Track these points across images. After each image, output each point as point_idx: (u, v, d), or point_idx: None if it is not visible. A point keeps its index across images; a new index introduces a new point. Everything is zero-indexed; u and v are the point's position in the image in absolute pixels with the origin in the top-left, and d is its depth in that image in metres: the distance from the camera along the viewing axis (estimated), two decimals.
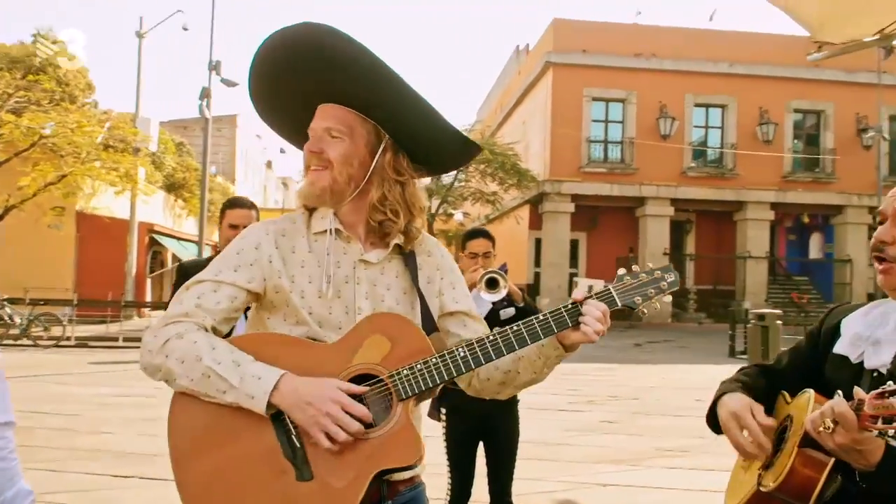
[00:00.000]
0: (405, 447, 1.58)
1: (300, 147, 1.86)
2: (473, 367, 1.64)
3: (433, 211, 25.90)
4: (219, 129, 37.44)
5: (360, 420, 1.53)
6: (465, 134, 1.79)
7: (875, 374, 1.59)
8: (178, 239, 26.45)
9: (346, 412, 1.52)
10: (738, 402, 1.65)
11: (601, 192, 25.09)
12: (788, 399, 1.71)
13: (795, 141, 26.53)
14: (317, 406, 1.52)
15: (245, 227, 3.49)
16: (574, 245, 26.37)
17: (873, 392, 1.30)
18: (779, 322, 13.56)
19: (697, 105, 25.95)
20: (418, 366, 1.62)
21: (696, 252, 27.44)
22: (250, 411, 1.55)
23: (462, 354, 1.64)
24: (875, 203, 24.54)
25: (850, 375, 1.64)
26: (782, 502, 1.58)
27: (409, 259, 1.80)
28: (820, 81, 25.47)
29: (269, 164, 58.35)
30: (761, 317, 13.67)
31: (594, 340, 1.64)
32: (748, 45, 25.61)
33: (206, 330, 1.63)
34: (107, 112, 21.46)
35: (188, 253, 28.38)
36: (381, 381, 1.62)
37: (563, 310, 1.67)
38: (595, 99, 25.49)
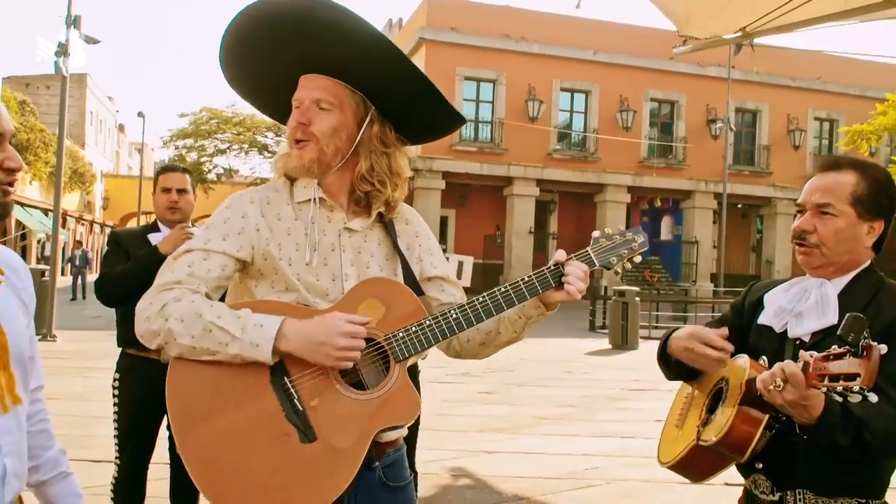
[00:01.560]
0: (405, 405, 1.64)
1: (272, 116, 1.86)
2: (465, 327, 1.70)
3: None
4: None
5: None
6: (452, 105, 1.80)
7: (797, 342, 1.77)
8: (22, 205, 24.52)
9: (355, 339, 1.57)
10: (689, 328, 1.81)
11: (471, 170, 25.54)
12: None
13: (651, 128, 28.11)
14: (330, 342, 1.55)
15: (179, 189, 3.39)
16: (444, 222, 26.75)
17: (818, 355, 1.46)
18: (637, 298, 14.47)
19: (563, 89, 26.90)
20: (413, 328, 1.67)
21: (559, 231, 28.59)
22: (249, 375, 1.55)
23: (454, 316, 1.69)
24: (720, 189, 26.53)
25: (774, 343, 1.82)
26: (719, 455, 1.73)
27: (389, 227, 1.83)
28: (675, 73, 27.09)
29: (121, 129, 55.11)
30: (622, 293, 14.53)
31: (578, 298, 1.75)
32: (612, 34, 26.79)
33: (200, 294, 1.62)
34: None
35: (34, 220, 26.35)
36: (378, 343, 1.65)
37: (546, 271, 1.76)
38: (467, 78, 25.83)
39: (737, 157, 28.26)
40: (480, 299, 1.72)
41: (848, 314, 1.44)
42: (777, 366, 1.53)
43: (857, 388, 1.40)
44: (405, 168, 1.83)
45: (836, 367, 1.43)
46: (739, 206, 29.42)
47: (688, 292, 25.12)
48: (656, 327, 17.42)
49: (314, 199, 1.74)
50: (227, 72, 1.84)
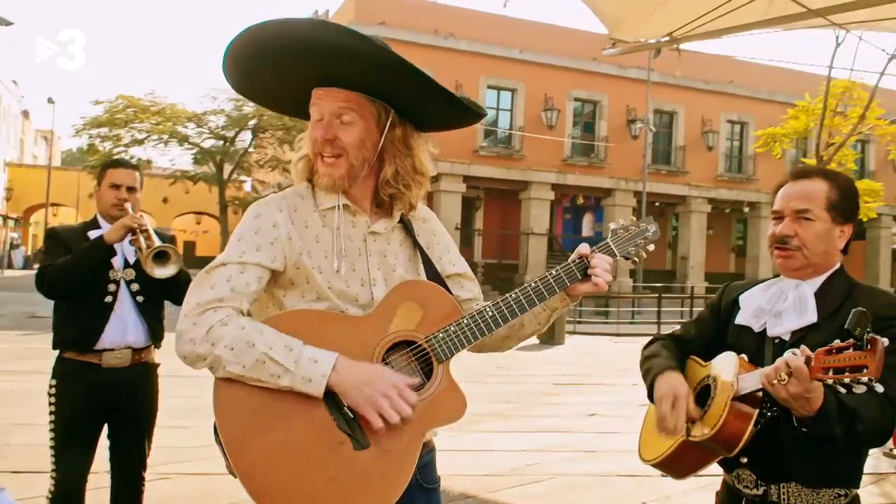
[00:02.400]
0: (452, 405, 1.67)
1: (283, 112, 1.93)
2: (502, 324, 1.73)
3: (225, 177, 24.84)
4: None
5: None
6: (469, 99, 1.81)
7: (777, 341, 1.87)
8: None
9: (401, 396, 1.57)
10: (679, 387, 1.86)
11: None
12: (702, 363, 1.94)
13: (574, 127, 28.69)
14: (376, 387, 1.55)
15: (128, 187, 3.24)
16: None
17: (820, 349, 1.54)
18: None
19: (490, 87, 27.13)
20: (452, 327, 1.69)
21: (484, 228, 28.86)
22: (298, 391, 1.54)
23: (490, 314, 1.72)
24: (639, 188, 27.32)
25: (753, 342, 1.91)
26: (707, 451, 1.81)
27: (408, 227, 1.85)
28: (597, 74, 27.73)
29: (25, 115, 52.41)
30: None
31: (605, 289, 1.80)
32: (538, 34, 27.19)
33: (244, 314, 1.60)
34: None
35: None
36: (420, 346, 1.67)
37: (572, 264, 1.81)
38: None
39: (655, 157, 29.15)
40: (513, 295, 1.75)
41: (854, 309, 1.52)
42: (780, 360, 1.61)
43: (865, 380, 1.48)
44: (429, 165, 1.84)
45: (841, 359, 1.51)
46: (657, 204, 30.37)
47: (609, 288, 25.76)
48: (580, 322, 17.89)
49: (339, 206, 1.74)
50: (236, 81, 1.83)
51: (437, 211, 26.00)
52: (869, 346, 1.49)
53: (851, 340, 1.51)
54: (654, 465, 1.96)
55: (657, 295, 19.08)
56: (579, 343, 14.40)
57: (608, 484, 5.08)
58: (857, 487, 1.85)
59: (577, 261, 1.81)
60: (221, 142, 24.99)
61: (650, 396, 1.98)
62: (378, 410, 1.56)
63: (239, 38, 1.67)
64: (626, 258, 1.92)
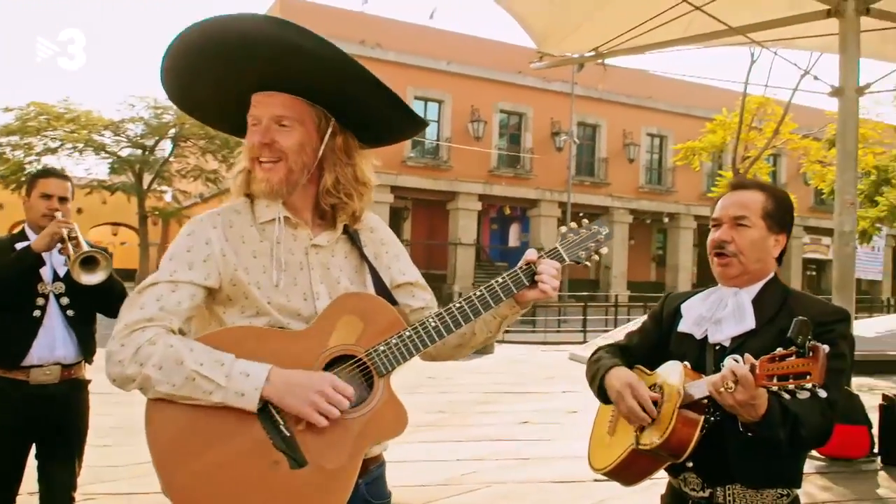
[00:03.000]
0: (393, 420, 1.63)
1: (226, 131, 1.85)
2: (445, 335, 1.69)
3: (145, 187, 24.09)
4: None
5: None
6: (411, 108, 1.79)
7: (717, 347, 1.93)
8: None
9: (336, 390, 1.54)
10: (629, 376, 1.91)
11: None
12: (648, 372, 1.98)
13: (501, 139, 29.07)
14: (309, 386, 1.52)
15: (60, 198, 3.10)
16: None
17: (764, 357, 1.59)
18: None
19: (417, 98, 27.21)
20: (393, 340, 1.65)
21: (412, 238, 28.86)
22: (232, 410, 1.50)
23: (433, 325, 1.68)
24: (564, 199, 27.87)
25: (695, 349, 1.97)
26: (656, 458, 1.84)
27: (354, 238, 1.80)
28: (522, 87, 28.22)
29: None
30: None
31: (553, 296, 1.77)
32: (464, 46, 27.48)
33: (174, 332, 1.55)
34: None
35: None
36: (360, 360, 1.62)
37: (519, 271, 1.76)
38: None
39: (579, 169, 29.82)
40: (457, 305, 1.71)
41: (796, 318, 1.58)
42: (726, 369, 1.66)
43: (809, 386, 1.54)
44: (371, 176, 1.80)
45: (785, 367, 1.56)
46: (581, 214, 30.85)
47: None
48: (508, 331, 18.04)
49: (279, 218, 1.69)
50: (171, 90, 1.77)
51: None
52: (811, 354, 1.54)
53: (794, 348, 1.56)
54: (605, 474, 1.99)
55: (582, 304, 19.43)
56: (508, 352, 14.52)
57: (543, 490, 5.12)
58: (799, 487, 1.92)
59: (524, 267, 1.78)
60: (140, 150, 24.24)
61: (601, 397, 2.01)
62: (315, 408, 1.52)
63: (176, 43, 1.62)
64: (577, 262, 1.89)
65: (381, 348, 1.64)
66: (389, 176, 26.07)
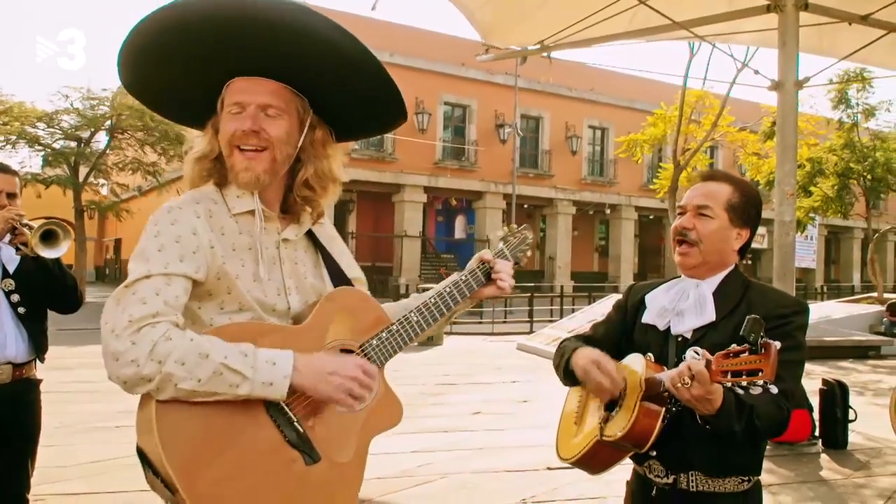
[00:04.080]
0: (391, 410, 1.69)
1: (181, 121, 1.80)
2: (426, 328, 1.77)
3: (81, 180, 23.33)
4: None
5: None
6: (404, 105, 1.77)
7: (679, 339, 1.98)
8: None
9: (366, 374, 1.57)
10: (594, 352, 1.96)
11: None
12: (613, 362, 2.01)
13: (445, 131, 29.10)
14: (342, 374, 1.52)
15: (8, 193, 2.96)
16: None
17: (719, 353, 1.63)
18: None
19: None
20: (384, 334, 1.69)
21: (358, 231, 28.72)
22: (243, 408, 1.46)
23: (416, 319, 1.75)
24: (509, 190, 28.08)
25: (659, 340, 2.02)
26: (620, 448, 1.89)
27: (310, 233, 1.80)
28: (466, 79, 28.29)
29: None
30: (425, 290, 14.88)
31: (509, 293, 1.90)
32: (408, 38, 27.37)
33: (180, 328, 1.46)
34: None
35: None
36: (354, 353, 1.64)
37: (478, 270, 1.88)
38: None
39: (523, 161, 30.08)
40: (433, 300, 1.80)
41: (748, 317, 1.63)
42: (683, 365, 1.70)
43: (760, 383, 1.58)
44: (340, 173, 1.78)
45: (738, 363, 1.60)
46: (526, 206, 31.31)
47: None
48: (455, 323, 18.12)
49: (258, 211, 1.65)
50: (129, 75, 1.68)
51: None
52: (763, 351, 1.59)
53: (747, 345, 1.61)
54: (572, 464, 2.02)
55: (528, 294, 19.63)
56: (457, 343, 14.59)
57: (498, 479, 5.18)
58: (758, 474, 1.99)
59: (482, 266, 1.90)
60: (75, 143, 23.42)
61: (568, 379, 2.05)
62: (350, 394, 1.54)
63: (152, 20, 1.54)
64: (517, 263, 2.03)
65: (374, 342, 1.67)
66: None
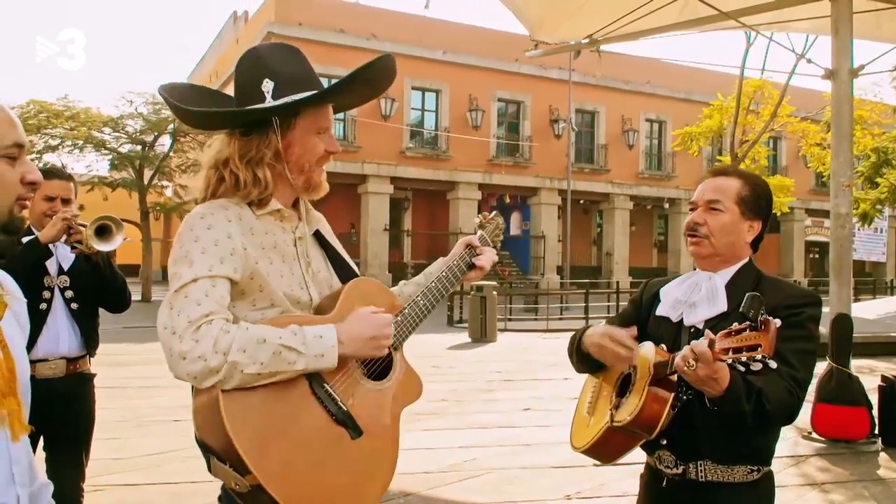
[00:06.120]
0: (415, 384, 1.88)
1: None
2: (431, 310, 1.94)
3: (145, 182, 24.14)
4: None
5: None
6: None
7: (692, 330, 2.00)
8: None
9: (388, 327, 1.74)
10: (603, 327, 2.02)
11: (325, 168, 25.26)
12: None
13: (499, 128, 29.07)
14: (379, 335, 1.69)
15: (63, 199, 3.12)
16: None
17: (721, 332, 1.65)
18: (494, 293, 14.91)
19: (415, 88, 27.23)
20: (399, 318, 1.85)
21: (413, 228, 28.96)
22: (293, 391, 1.60)
23: (423, 303, 1.93)
24: (563, 186, 27.89)
25: (672, 332, 2.05)
26: (630, 435, 1.91)
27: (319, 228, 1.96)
28: (520, 75, 28.18)
29: None
30: (479, 288, 14.88)
31: (487, 270, 2.14)
32: (460, 36, 27.44)
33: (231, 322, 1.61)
34: None
35: None
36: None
37: (466, 255, 2.12)
38: (319, 75, 25.43)
39: (578, 156, 29.83)
40: (433, 285, 1.99)
41: (747, 294, 1.66)
42: (687, 347, 1.73)
43: (759, 357, 1.60)
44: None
45: (738, 340, 1.63)
46: (581, 201, 31.06)
47: (538, 285, 26.22)
48: (510, 319, 18.11)
49: (282, 210, 1.81)
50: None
51: (365, 212, 26.07)
52: (762, 327, 1.61)
53: (748, 323, 1.63)
54: (584, 452, 2.05)
55: (584, 291, 19.48)
56: (511, 340, 14.59)
57: (545, 475, 5.19)
58: (769, 465, 1.98)
59: (469, 250, 2.12)
60: (140, 146, 24.24)
61: (581, 363, 2.12)
62: (381, 349, 1.72)
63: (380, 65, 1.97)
64: (494, 246, 2.22)
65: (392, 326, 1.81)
66: (389, 167, 26.12)
